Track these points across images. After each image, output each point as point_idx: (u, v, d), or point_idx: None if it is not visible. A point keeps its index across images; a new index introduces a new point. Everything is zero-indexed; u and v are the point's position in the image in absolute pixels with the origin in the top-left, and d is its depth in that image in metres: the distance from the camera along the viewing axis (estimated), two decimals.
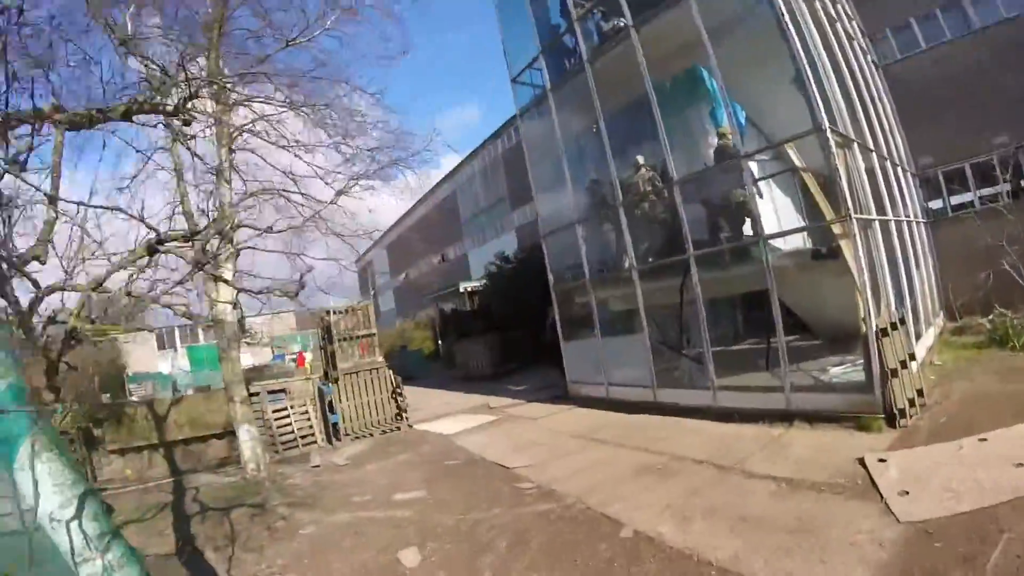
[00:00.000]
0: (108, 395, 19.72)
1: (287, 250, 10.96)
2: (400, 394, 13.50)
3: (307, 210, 11.31)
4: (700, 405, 9.46)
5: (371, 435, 12.68)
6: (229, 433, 12.01)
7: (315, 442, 12.35)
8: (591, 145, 12.64)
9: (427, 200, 43.95)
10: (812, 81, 8.02)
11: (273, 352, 35.52)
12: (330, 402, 12.62)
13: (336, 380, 13.02)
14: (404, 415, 13.37)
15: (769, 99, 9.95)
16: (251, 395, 12.40)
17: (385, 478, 9.15)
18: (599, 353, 11.89)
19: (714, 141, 10.44)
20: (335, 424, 12.52)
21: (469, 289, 26.43)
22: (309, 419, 12.56)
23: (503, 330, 21.01)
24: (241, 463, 9.65)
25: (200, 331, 43.04)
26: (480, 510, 6.96)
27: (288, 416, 12.34)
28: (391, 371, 13.95)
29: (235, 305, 9.83)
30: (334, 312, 13.94)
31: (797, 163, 9.76)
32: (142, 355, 32.73)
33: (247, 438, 9.41)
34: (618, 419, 10.57)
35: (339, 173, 11.39)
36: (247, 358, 39.77)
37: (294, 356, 29.17)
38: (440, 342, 28.95)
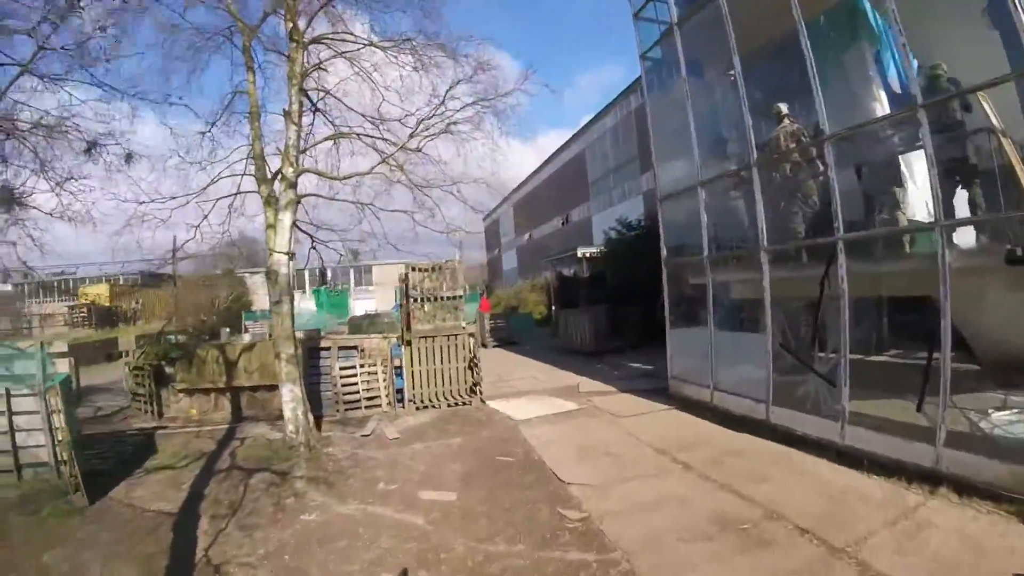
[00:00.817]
0: (228, 329, 20.99)
1: (356, 199, 10.08)
2: (476, 365, 12.36)
3: (394, 158, 10.25)
4: (821, 438, 7.18)
5: (437, 407, 11.70)
6: None
7: (379, 406, 11.65)
8: (722, 92, 10.26)
9: (555, 158, 42.46)
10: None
11: (396, 300, 36.54)
12: (399, 365, 11.81)
13: (408, 343, 12.14)
14: (478, 389, 12.24)
15: (946, 46, 7.03)
16: (321, 349, 12.03)
17: (425, 464, 8.05)
18: (709, 348, 9.75)
19: (879, 92, 7.80)
20: (400, 390, 11.71)
21: (587, 255, 24.69)
22: (377, 381, 11.86)
23: (614, 303, 19.11)
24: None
25: (329, 274, 45.80)
26: (503, 539, 5.53)
27: (355, 376, 11.72)
28: (471, 338, 12.85)
29: (291, 256, 9.17)
30: (417, 269, 12.96)
31: (995, 122, 6.68)
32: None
33: (289, 398, 8.76)
34: (716, 435, 8.56)
35: (416, 115, 10.14)
36: (370, 303, 41.59)
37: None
38: (552, 308, 27.78)
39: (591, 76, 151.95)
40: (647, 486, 6.70)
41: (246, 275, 33.75)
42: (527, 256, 48.71)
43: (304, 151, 9.61)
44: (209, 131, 9.68)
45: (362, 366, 11.85)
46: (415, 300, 12.79)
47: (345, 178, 10.04)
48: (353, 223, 10.14)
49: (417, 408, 11.65)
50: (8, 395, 7.43)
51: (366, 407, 11.56)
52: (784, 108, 8.57)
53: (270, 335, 11.38)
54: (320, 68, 9.68)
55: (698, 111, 10.10)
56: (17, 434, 7.46)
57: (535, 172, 47.22)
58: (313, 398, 11.53)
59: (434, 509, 6.41)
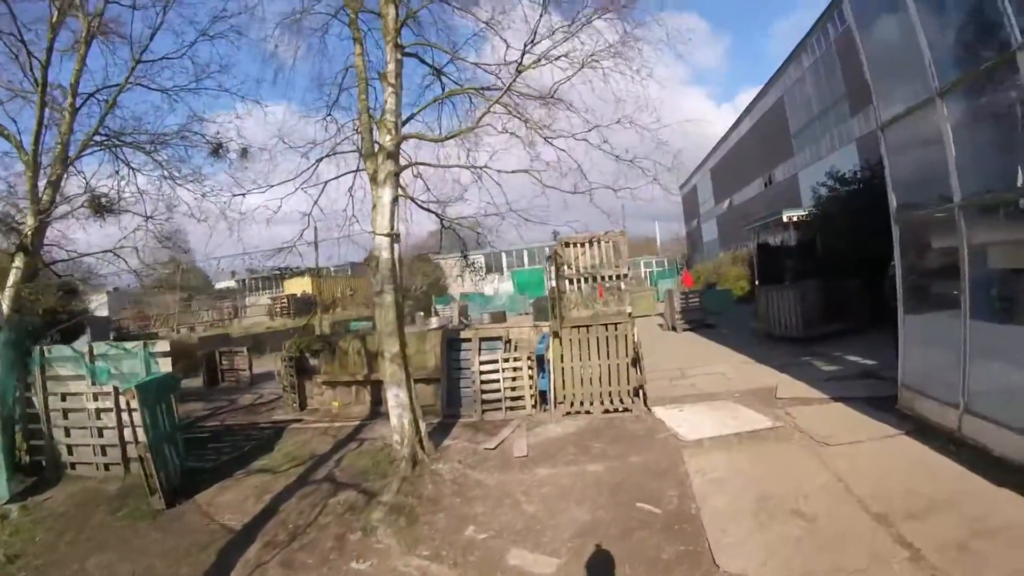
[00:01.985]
0: (422, 313, 21.48)
1: (465, 163, 8.56)
2: (639, 363, 9.97)
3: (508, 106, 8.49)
4: None
5: (589, 412, 9.62)
6: (436, 380, 10.69)
7: (523, 408, 10.02)
8: None
9: (752, 111, 37.12)
10: None
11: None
12: (539, 359, 9.98)
13: (556, 334, 10.22)
14: (642, 392, 9.87)
15: None
16: (462, 341, 10.81)
17: (539, 504, 6.16)
18: (960, 346, 6.17)
19: None
20: (543, 392, 9.92)
21: (794, 219, 20.46)
22: (522, 379, 10.20)
23: (827, 277, 15.18)
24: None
25: (525, 255, 45.96)
26: None
27: (497, 372, 10.21)
28: (635, 330, 10.44)
29: (394, 238, 7.91)
30: (571, 244, 10.87)
31: None
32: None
33: (394, 404, 7.53)
34: (964, 488, 5.14)
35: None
36: None
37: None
38: (756, 283, 23.79)
39: (785, 22, 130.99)
40: None
41: (440, 261, 35.10)
42: (727, 225, 43.84)
43: (410, 118, 8.32)
44: (328, 115, 9.07)
45: (506, 360, 10.28)
46: (569, 281, 10.81)
47: (447, 138, 8.52)
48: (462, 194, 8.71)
49: (566, 413, 9.71)
50: (116, 392, 7.93)
51: (508, 409, 10.00)
52: None
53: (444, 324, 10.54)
54: (414, 17, 8.29)
55: None
56: (125, 429, 7.91)
57: (731, 130, 42.06)
58: (453, 396, 10.46)
59: None
